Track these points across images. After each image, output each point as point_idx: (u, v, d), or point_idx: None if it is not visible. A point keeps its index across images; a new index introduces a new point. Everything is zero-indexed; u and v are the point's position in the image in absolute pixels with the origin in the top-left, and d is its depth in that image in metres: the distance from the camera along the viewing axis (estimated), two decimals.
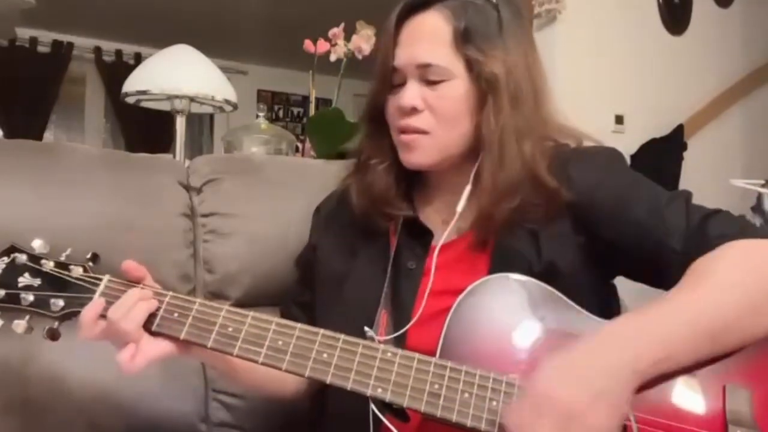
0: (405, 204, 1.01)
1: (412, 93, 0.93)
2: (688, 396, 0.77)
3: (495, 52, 0.92)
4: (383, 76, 0.97)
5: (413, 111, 0.94)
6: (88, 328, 0.85)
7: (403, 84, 0.95)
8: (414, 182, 1.03)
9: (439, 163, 0.97)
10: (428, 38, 0.93)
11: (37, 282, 0.89)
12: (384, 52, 0.96)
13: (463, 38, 0.92)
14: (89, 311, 0.86)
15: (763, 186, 2.39)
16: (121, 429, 1.15)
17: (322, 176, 1.11)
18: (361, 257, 1.02)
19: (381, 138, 1.00)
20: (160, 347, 0.87)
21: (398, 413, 0.84)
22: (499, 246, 0.93)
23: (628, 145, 2.99)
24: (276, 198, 1.33)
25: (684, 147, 3.20)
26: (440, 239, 0.97)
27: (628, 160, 2.94)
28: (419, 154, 0.95)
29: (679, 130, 3.20)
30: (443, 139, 0.95)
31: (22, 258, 0.90)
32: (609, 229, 0.89)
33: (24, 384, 1.10)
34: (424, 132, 0.94)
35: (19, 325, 0.87)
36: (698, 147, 3.25)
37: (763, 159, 3.33)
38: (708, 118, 3.36)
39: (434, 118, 0.94)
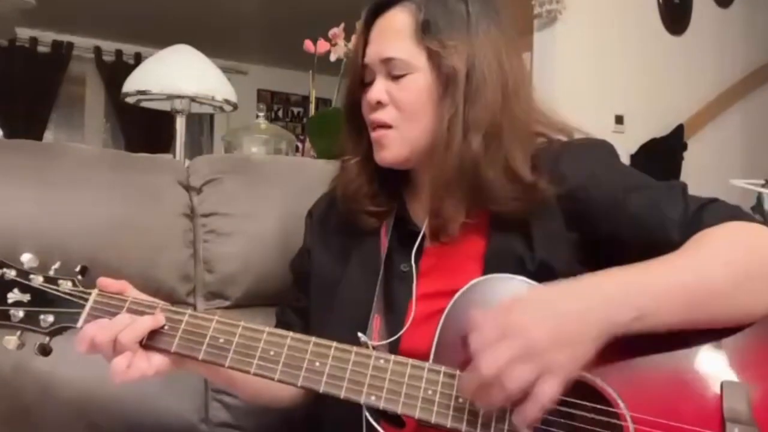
0: (388, 201, 1.01)
1: (377, 87, 0.95)
2: (685, 393, 0.77)
3: (457, 45, 0.92)
4: (354, 74, 0.99)
5: (379, 105, 0.95)
6: (86, 343, 0.84)
7: (373, 81, 0.97)
8: (400, 179, 1.03)
9: (409, 159, 0.97)
10: (392, 34, 0.95)
11: (26, 298, 0.87)
12: (355, 51, 0.99)
13: (424, 30, 0.93)
14: (95, 331, 0.84)
15: (763, 186, 2.39)
16: (121, 430, 1.15)
17: (322, 176, 1.10)
18: (353, 260, 1.02)
19: (358, 136, 1.01)
20: (154, 364, 0.85)
21: (394, 419, 0.84)
22: (492, 246, 0.93)
23: (628, 145, 3.00)
24: (276, 198, 1.33)
25: (684, 147, 3.20)
26: (428, 239, 0.97)
27: (628, 160, 2.97)
28: (388, 151, 0.96)
29: (679, 130, 3.20)
30: (408, 133, 0.95)
31: (10, 273, 0.88)
32: (606, 224, 0.89)
33: (22, 385, 1.10)
34: (388, 126, 0.95)
35: (10, 341, 0.87)
36: (698, 147, 3.26)
37: (763, 159, 3.33)
38: (708, 118, 3.37)
39: (398, 111, 0.95)
